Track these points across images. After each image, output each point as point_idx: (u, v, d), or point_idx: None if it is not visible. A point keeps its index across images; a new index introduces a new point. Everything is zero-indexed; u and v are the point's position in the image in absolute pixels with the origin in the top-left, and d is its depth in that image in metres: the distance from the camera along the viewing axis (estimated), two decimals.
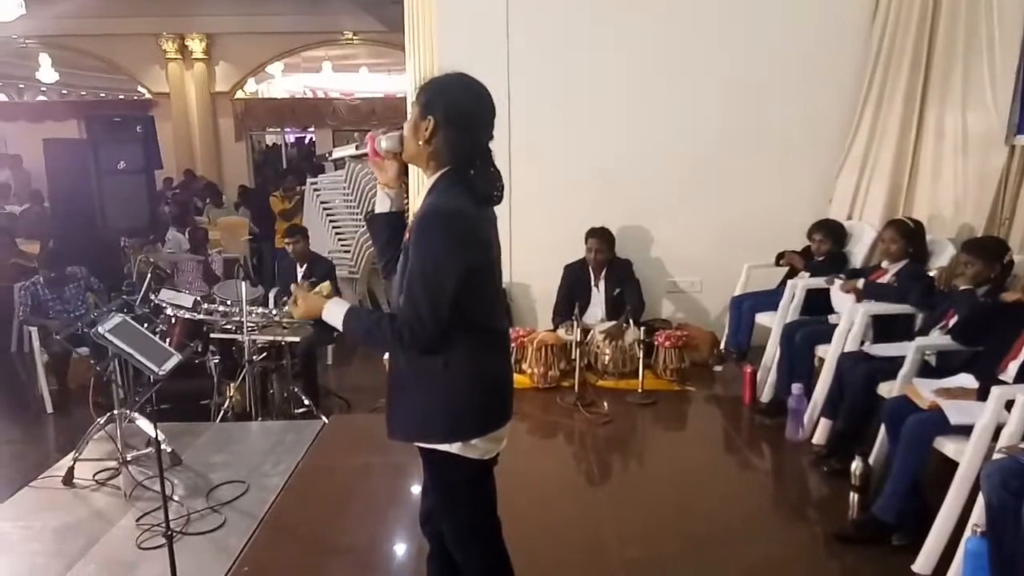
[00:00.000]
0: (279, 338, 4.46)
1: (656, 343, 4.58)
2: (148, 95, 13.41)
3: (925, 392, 2.82)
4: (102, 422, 3.58)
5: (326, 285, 1.88)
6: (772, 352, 4.20)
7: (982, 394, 2.61)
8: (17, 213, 9.75)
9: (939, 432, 2.65)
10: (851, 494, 2.89)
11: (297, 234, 5.48)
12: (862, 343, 3.56)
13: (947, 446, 2.64)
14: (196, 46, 12.82)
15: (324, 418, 4.33)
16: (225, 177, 13.07)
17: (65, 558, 2.83)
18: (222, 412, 4.38)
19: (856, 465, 2.88)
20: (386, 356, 1.99)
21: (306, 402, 4.53)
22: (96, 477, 3.48)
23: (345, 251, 6.90)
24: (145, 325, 3.55)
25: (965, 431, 2.55)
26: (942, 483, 2.58)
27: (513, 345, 4.52)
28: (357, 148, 1.93)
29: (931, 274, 3.64)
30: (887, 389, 3.15)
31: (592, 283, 4.91)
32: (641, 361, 4.39)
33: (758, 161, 5.07)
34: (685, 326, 4.94)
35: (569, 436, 4.04)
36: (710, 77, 5.00)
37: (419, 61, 5.13)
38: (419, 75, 5.07)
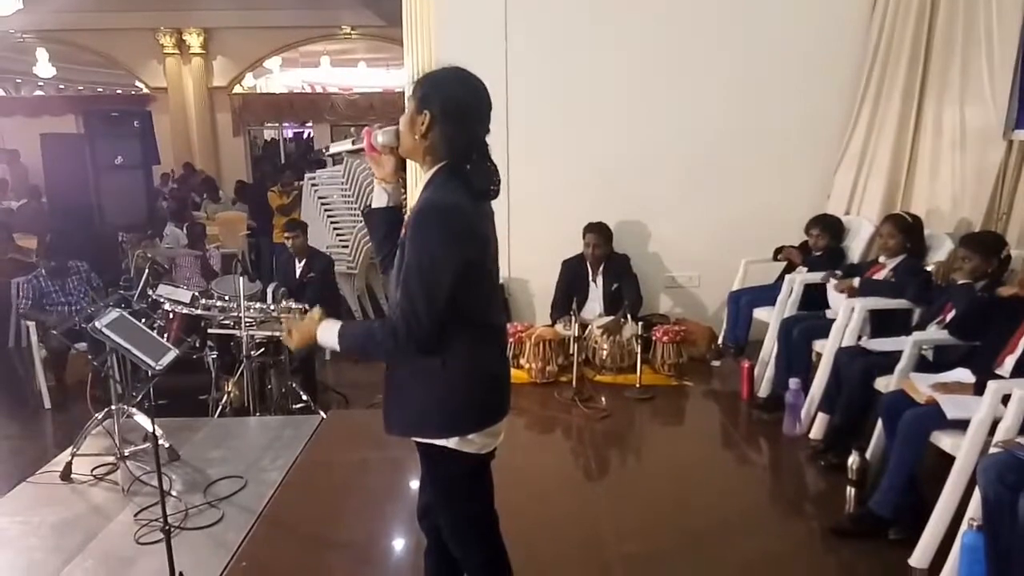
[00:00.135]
0: (277, 333, 4.44)
1: (654, 338, 4.59)
2: (146, 90, 13.39)
3: (922, 387, 2.83)
4: (100, 417, 3.57)
5: (316, 310, 1.87)
6: (770, 347, 4.21)
7: (979, 389, 2.61)
8: (14, 208, 9.71)
9: (936, 426, 2.66)
10: (848, 488, 2.89)
11: (297, 229, 5.45)
12: (859, 338, 3.56)
13: (944, 440, 2.65)
14: (194, 41, 12.78)
15: (322, 413, 4.33)
16: (223, 172, 13.06)
17: (63, 553, 2.83)
18: (220, 407, 4.38)
19: (853, 460, 2.88)
20: None
21: (304, 397, 4.52)
22: (94, 472, 3.48)
23: (343, 246, 6.88)
24: (143, 320, 3.55)
25: (962, 425, 2.56)
26: (939, 477, 2.59)
27: (511, 340, 4.53)
28: (354, 143, 1.93)
29: (928, 269, 3.65)
30: (884, 384, 3.16)
31: (590, 278, 4.92)
32: (639, 356, 4.39)
33: (757, 159, 5.08)
34: (683, 321, 4.96)
35: (567, 431, 4.05)
36: (710, 76, 5.00)
37: (417, 56, 5.13)
38: (417, 70, 5.05)
